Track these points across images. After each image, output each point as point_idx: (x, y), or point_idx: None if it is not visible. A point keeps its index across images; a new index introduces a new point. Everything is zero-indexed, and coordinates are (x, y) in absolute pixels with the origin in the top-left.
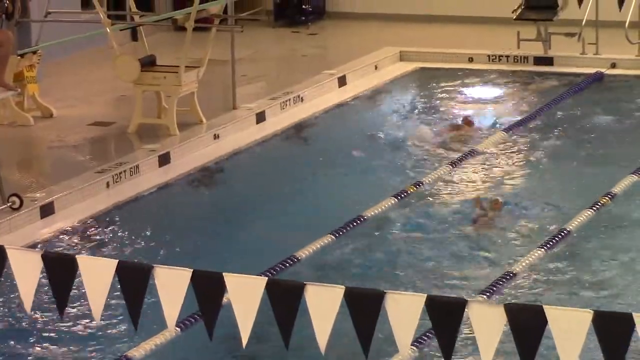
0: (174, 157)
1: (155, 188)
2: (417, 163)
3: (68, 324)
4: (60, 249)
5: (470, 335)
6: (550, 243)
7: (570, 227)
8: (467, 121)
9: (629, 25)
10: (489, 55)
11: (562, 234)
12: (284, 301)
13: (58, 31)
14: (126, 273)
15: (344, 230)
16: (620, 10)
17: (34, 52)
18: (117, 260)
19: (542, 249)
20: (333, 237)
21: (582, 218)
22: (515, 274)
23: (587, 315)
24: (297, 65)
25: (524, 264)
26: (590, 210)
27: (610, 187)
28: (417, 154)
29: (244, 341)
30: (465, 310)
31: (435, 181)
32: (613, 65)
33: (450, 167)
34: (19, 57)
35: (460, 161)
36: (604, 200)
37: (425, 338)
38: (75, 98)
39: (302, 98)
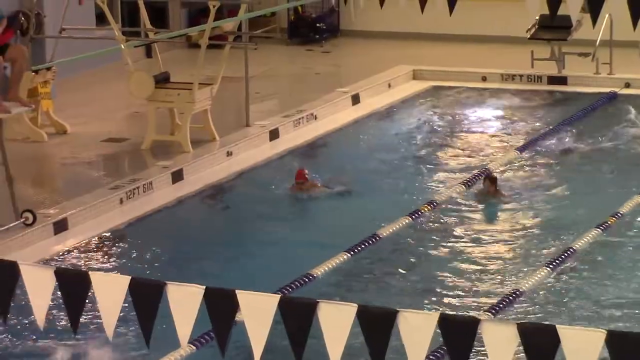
0: (187, 174)
1: (169, 204)
2: (432, 180)
3: (81, 340)
4: (74, 265)
5: (483, 352)
6: (557, 261)
7: (577, 245)
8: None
9: None
10: (502, 74)
11: (569, 252)
12: (297, 319)
13: (72, 48)
14: (139, 290)
15: (360, 248)
16: (634, 30)
17: (49, 69)
18: (130, 277)
19: (549, 267)
20: (348, 255)
21: (589, 237)
22: (522, 292)
23: (600, 335)
24: (310, 83)
25: (530, 281)
26: (597, 229)
27: (620, 206)
28: (432, 171)
29: (257, 359)
30: (478, 328)
31: (448, 199)
32: (627, 85)
33: (463, 187)
34: (33, 73)
35: (472, 180)
36: (611, 220)
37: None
38: (89, 114)
39: (315, 116)
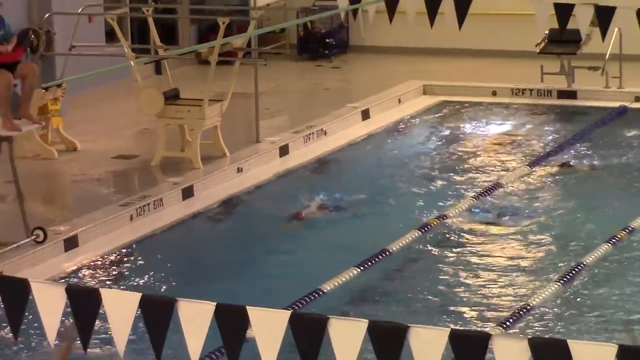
0: (198, 190)
1: (179, 221)
2: (440, 195)
3: (92, 357)
4: (84, 282)
5: None
6: (567, 276)
7: (587, 260)
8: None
9: None
10: (512, 89)
11: (579, 267)
12: (307, 334)
13: (82, 65)
14: (150, 306)
15: (370, 263)
16: None
17: (59, 86)
18: (141, 294)
19: (559, 283)
20: (358, 270)
21: (599, 252)
22: (532, 307)
23: (611, 350)
24: (320, 98)
25: (541, 296)
26: (607, 244)
27: (630, 220)
28: (442, 186)
29: None
30: (489, 343)
31: (459, 214)
32: (637, 99)
33: (474, 200)
34: (43, 91)
35: (483, 195)
36: (621, 234)
37: None
38: (99, 131)
39: (325, 131)
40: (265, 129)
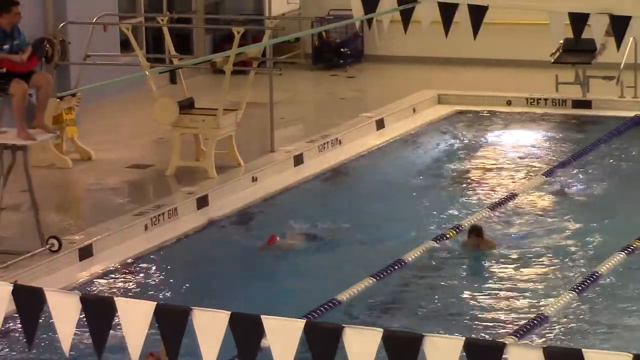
0: (212, 200)
1: (194, 231)
2: (456, 205)
3: None
4: (99, 291)
5: None
6: (582, 285)
7: (602, 269)
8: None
9: None
10: (527, 98)
11: (594, 276)
12: (322, 344)
13: (97, 74)
14: (164, 315)
15: (384, 274)
16: None
17: (73, 95)
18: (156, 303)
19: (574, 292)
20: (374, 279)
21: (614, 261)
22: (546, 316)
23: (626, 359)
24: (335, 108)
25: (555, 305)
26: (622, 253)
27: None
28: (457, 196)
29: None
30: (504, 352)
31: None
32: None
33: (489, 210)
34: (58, 100)
35: (498, 205)
36: (636, 243)
37: None
38: (114, 141)
39: (340, 141)
40: (280, 138)
